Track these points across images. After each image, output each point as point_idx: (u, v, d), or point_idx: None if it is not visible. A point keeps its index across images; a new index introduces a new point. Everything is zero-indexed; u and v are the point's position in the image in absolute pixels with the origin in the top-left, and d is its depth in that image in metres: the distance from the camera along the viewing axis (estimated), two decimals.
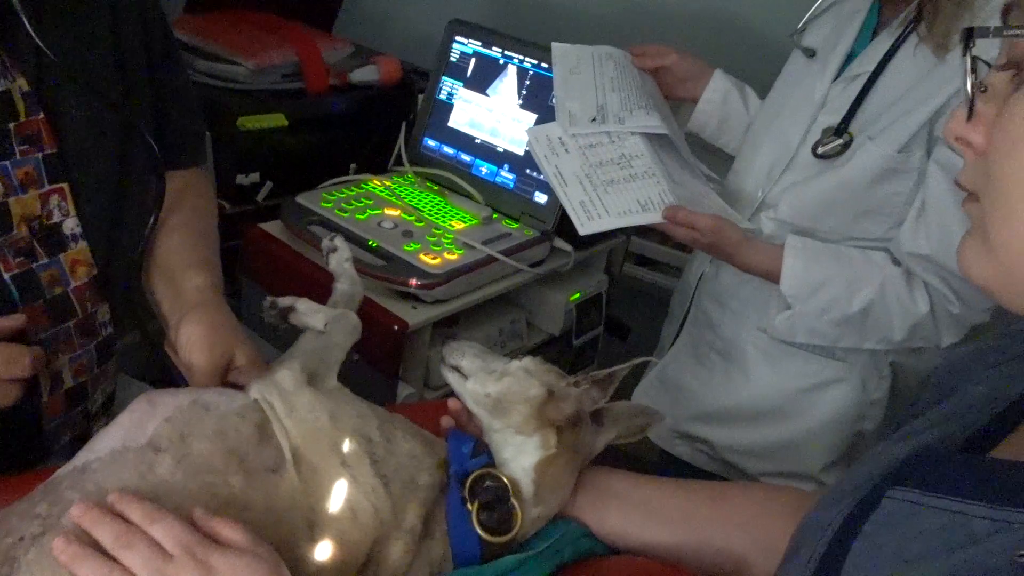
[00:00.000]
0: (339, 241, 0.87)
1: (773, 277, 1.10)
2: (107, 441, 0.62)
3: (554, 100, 1.23)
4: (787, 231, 1.13)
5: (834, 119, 1.09)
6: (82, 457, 0.62)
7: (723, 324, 1.27)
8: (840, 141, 1.08)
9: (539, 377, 0.74)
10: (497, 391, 0.73)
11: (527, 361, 0.76)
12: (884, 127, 1.05)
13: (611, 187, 1.14)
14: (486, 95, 1.55)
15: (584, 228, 1.10)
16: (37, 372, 0.67)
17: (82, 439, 0.66)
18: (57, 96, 0.72)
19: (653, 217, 1.11)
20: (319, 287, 0.82)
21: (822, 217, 1.12)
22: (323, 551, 0.61)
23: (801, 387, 1.21)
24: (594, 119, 1.20)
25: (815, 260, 1.09)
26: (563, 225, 1.47)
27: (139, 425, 0.63)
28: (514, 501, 0.68)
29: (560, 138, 1.19)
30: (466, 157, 1.57)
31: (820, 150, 1.10)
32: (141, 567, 0.53)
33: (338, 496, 0.63)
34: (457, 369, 0.78)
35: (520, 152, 1.50)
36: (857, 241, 1.11)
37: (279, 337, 0.75)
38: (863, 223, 1.10)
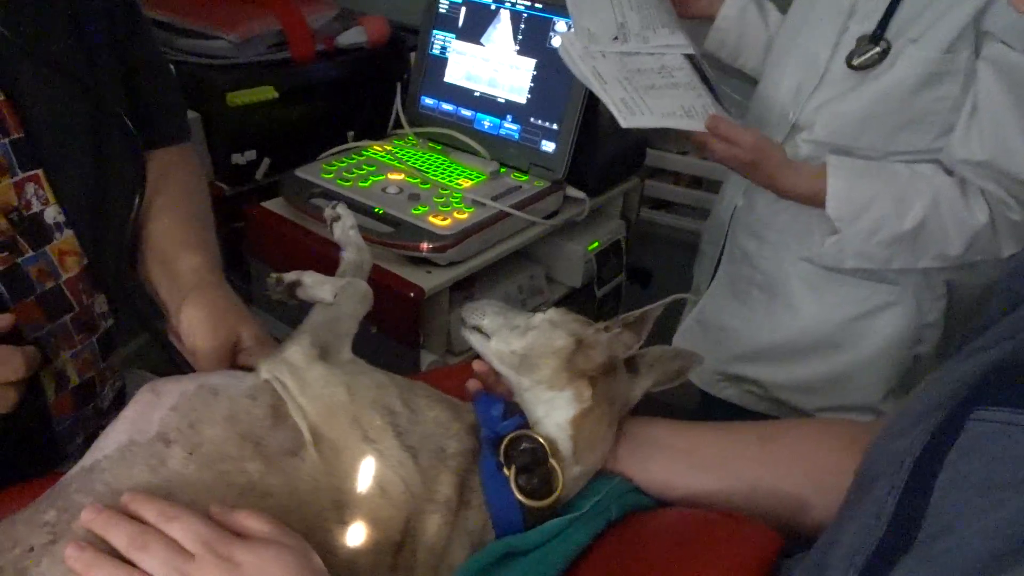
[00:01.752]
0: (341, 208, 0.83)
1: (817, 201, 1.04)
2: (113, 438, 0.58)
3: (570, 18, 1.16)
4: (825, 152, 1.06)
5: (868, 26, 1.02)
6: (89, 457, 0.58)
7: (762, 257, 1.21)
8: (878, 49, 1.01)
9: (565, 327, 0.70)
10: (523, 346, 0.69)
11: (551, 312, 0.72)
12: (925, 28, 0.97)
13: (652, 91, 1.07)
14: (481, 45, 1.48)
15: (626, 121, 1.03)
16: (33, 372, 0.63)
17: (96, 438, 0.62)
18: (16, 75, 0.67)
19: (696, 124, 1.05)
20: (328, 261, 0.78)
21: (861, 133, 1.05)
22: (355, 534, 0.58)
23: (852, 315, 1.15)
24: (616, 38, 1.12)
25: (860, 178, 1.03)
26: (574, 173, 1.41)
27: (144, 417, 0.59)
28: (553, 461, 0.64)
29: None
30: (466, 112, 1.51)
31: (856, 61, 1.02)
32: (161, 569, 0.50)
33: (364, 473, 0.59)
34: (478, 329, 0.74)
35: (523, 101, 1.43)
36: (900, 155, 1.04)
37: (294, 316, 0.71)
38: (906, 135, 1.03)
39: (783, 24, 1.19)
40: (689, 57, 1.15)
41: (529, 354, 0.69)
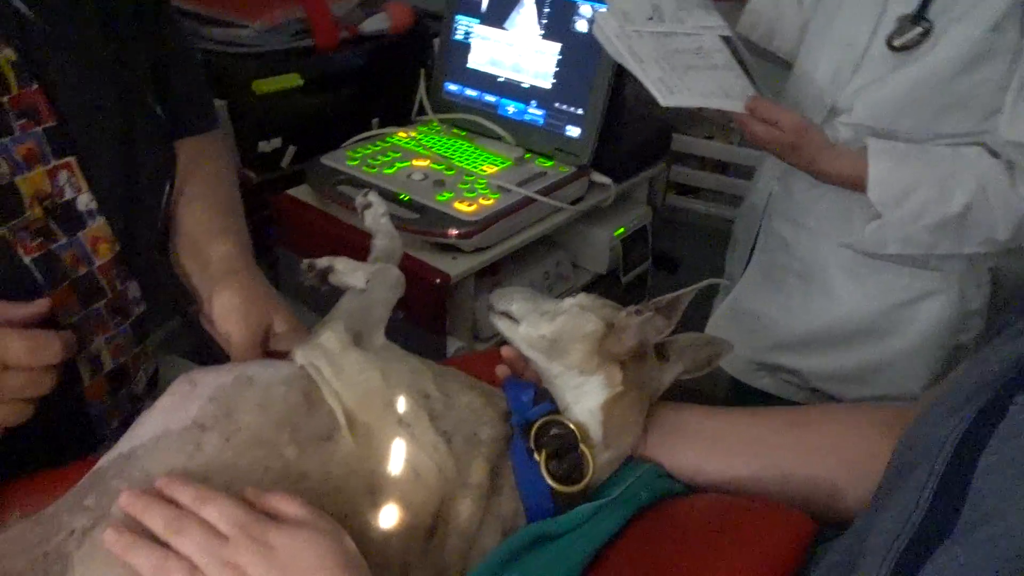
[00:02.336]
0: (373, 196, 0.83)
1: (858, 185, 1.02)
2: (150, 425, 0.59)
3: (596, 1, 1.15)
4: (865, 136, 1.04)
5: (908, 6, 1.00)
6: (126, 443, 0.59)
7: (799, 244, 1.19)
8: (919, 29, 0.98)
9: (596, 312, 0.70)
10: (552, 331, 0.69)
11: (581, 297, 0.72)
12: (970, 6, 0.95)
13: (691, 71, 1.06)
14: (504, 29, 1.47)
15: (666, 100, 1.02)
16: (69, 357, 0.64)
17: (130, 423, 0.63)
18: (48, 65, 0.68)
19: (735, 105, 1.04)
20: (354, 248, 0.79)
21: (903, 116, 1.03)
22: (388, 517, 0.58)
23: (893, 303, 1.13)
24: (650, 18, 1.11)
25: (903, 162, 1.01)
26: (600, 158, 1.41)
27: (181, 406, 0.60)
28: (583, 447, 0.64)
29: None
30: (490, 98, 1.51)
31: (897, 42, 1.00)
32: (196, 552, 0.51)
33: (398, 457, 0.59)
34: (507, 315, 0.74)
35: (547, 86, 1.42)
36: (945, 139, 1.02)
37: (321, 303, 0.71)
38: (950, 117, 1.01)
39: (819, 5, 1.16)
40: (725, 39, 1.14)
41: (559, 339, 0.69)
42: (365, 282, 0.71)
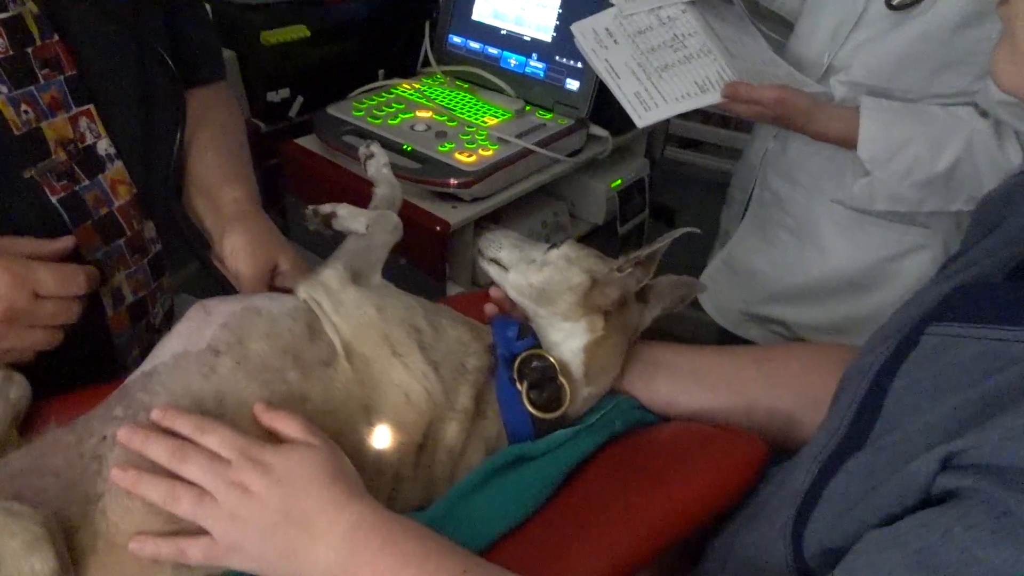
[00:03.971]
0: (375, 147, 0.88)
1: (850, 143, 1.04)
2: (169, 347, 0.65)
3: None
4: (861, 94, 1.07)
5: None
6: (149, 363, 0.65)
7: (793, 200, 1.22)
8: None
9: (580, 264, 0.74)
10: (540, 281, 0.74)
11: (566, 248, 0.77)
12: None
13: (666, 72, 1.09)
14: None
15: (642, 120, 1.06)
16: (93, 289, 0.70)
17: (149, 352, 0.69)
18: (68, 17, 0.73)
19: (712, 97, 1.06)
20: (358, 195, 0.83)
21: (899, 74, 1.05)
22: (382, 436, 0.64)
23: (881, 257, 1.17)
24: None
25: (894, 120, 1.03)
26: (598, 111, 1.44)
27: (197, 331, 0.66)
28: (562, 379, 0.70)
29: (607, 29, 1.13)
30: (493, 50, 1.54)
31: (896, 0, 1.01)
32: (203, 476, 0.55)
33: (390, 383, 0.65)
34: (496, 262, 0.78)
35: (548, 39, 1.45)
36: (938, 98, 1.04)
37: (326, 249, 0.77)
38: (945, 76, 1.03)
39: None
40: (717, 6, 1.15)
41: (547, 288, 0.74)
42: (366, 227, 0.76)
